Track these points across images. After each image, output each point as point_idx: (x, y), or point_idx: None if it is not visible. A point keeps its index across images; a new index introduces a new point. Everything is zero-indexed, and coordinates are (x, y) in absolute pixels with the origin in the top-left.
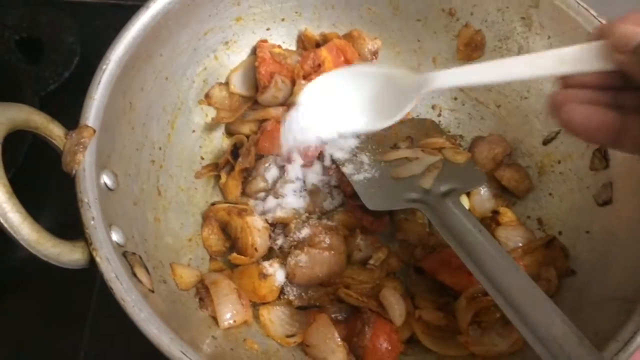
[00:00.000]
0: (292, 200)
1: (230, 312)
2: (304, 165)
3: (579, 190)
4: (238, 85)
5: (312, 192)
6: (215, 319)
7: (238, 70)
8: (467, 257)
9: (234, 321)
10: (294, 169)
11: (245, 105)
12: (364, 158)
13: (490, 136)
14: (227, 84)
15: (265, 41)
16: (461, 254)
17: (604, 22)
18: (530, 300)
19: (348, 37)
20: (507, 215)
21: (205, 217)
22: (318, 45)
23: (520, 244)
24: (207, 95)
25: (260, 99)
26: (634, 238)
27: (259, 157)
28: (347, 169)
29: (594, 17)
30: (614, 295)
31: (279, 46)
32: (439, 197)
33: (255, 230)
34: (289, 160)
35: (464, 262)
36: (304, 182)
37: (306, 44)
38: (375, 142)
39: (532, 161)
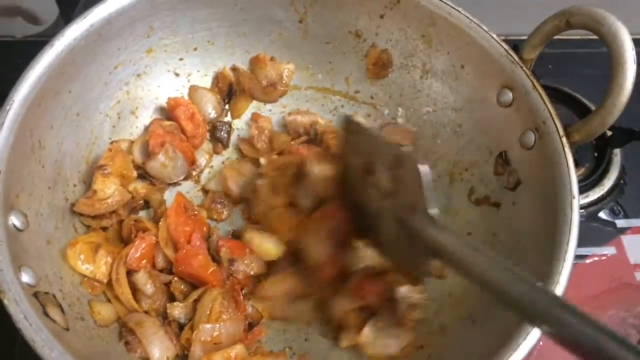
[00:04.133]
0: None
1: (160, 350)
2: None
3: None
4: (140, 156)
5: None
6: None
7: (139, 143)
8: None
9: (167, 358)
10: None
11: None
12: None
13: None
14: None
15: (160, 119)
16: None
17: (494, 36)
18: None
19: (255, 60)
20: None
21: None
22: (231, 87)
23: None
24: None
25: (148, 166)
26: (535, 237)
27: None
28: None
29: (486, 31)
30: None
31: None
32: None
33: None
34: None
35: None
36: None
37: (221, 84)
38: None
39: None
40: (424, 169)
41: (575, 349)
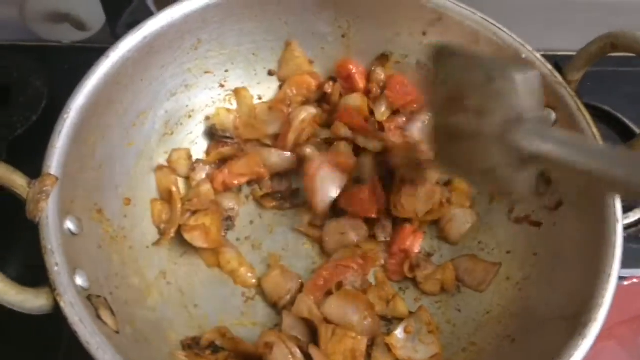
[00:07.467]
0: None
1: None
2: None
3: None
4: None
5: None
6: None
7: None
8: None
9: None
10: None
11: None
12: None
13: None
14: None
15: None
16: None
17: (538, 56)
18: None
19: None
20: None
21: None
22: None
23: None
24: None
25: None
26: (577, 259)
27: None
28: None
29: (530, 51)
30: (558, 315)
31: None
32: None
33: None
34: None
35: None
36: None
37: None
38: None
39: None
40: (522, 76)
41: None
